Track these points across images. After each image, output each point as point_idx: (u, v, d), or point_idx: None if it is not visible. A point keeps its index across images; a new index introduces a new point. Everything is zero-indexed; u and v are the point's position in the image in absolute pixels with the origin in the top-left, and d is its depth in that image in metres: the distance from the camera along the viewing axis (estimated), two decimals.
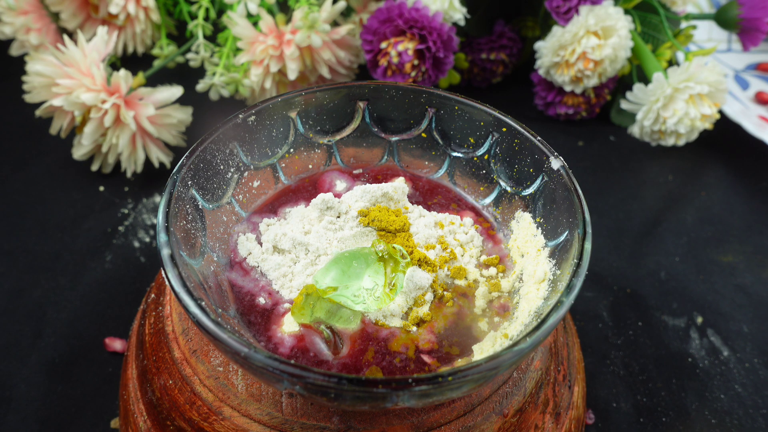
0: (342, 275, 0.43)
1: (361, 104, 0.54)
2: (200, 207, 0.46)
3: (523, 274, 0.47)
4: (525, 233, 0.49)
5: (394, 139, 0.56)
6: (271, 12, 0.79)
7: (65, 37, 0.72)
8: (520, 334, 0.40)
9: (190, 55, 0.84)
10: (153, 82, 0.82)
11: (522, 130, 0.49)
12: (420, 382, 0.33)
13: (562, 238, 0.44)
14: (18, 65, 0.83)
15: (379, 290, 0.43)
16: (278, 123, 0.52)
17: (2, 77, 0.91)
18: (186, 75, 0.90)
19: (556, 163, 0.46)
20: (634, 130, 0.85)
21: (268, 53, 0.76)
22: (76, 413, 0.56)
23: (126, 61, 0.93)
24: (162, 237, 0.39)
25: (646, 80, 0.84)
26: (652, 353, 0.64)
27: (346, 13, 0.88)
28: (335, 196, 0.51)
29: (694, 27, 0.87)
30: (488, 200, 0.53)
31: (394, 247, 0.44)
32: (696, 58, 0.79)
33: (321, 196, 0.50)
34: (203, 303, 0.37)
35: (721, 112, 0.87)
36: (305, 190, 0.54)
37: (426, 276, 0.46)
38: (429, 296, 0.46)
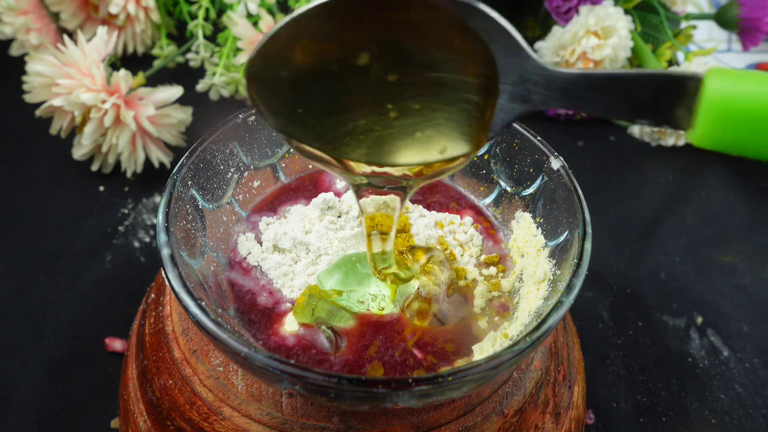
0: (346, 278, 0.43)
1: None
2: (200, 207, 0.46)
3: (523, 274, 0.47)
4: (525, 233, 0.49)
5: None
6: (271, 12, 0.79)
7: (65, 37, 0.72)
8: (520, 334, 0.40)
9: (190, 55, 0.84)
10: (153, 82, 0.82)
11: (522, 130, 0.49)
12: (420, 382, 0.33)
13: (562, 238, 0.44)
14: (18, 65, 0.83)
15: (383, 297, 0.43)
16: None
17: (2, 77, 0.91)
18: (186, 75, 0.90)
19: (556, 163, 0.46)
20: (634, 130, 0.85)
21: None
22: (76, 413, 0.56)
23: (126, 61, 0.93)
24: (162, 237, 0.39)
25: None
26: (652, 353, 0.64)
27: None
28: (336, 196, 0.51)
29: (694, 27, 0.87)
30: (488, 200, 0.53)
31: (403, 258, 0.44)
32: (696, 58, 0.79)
33: (322, 195, 0.50)
34: (203, 303, 0.37)
35: None
36: (305, 189, 0.54)
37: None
38: None
